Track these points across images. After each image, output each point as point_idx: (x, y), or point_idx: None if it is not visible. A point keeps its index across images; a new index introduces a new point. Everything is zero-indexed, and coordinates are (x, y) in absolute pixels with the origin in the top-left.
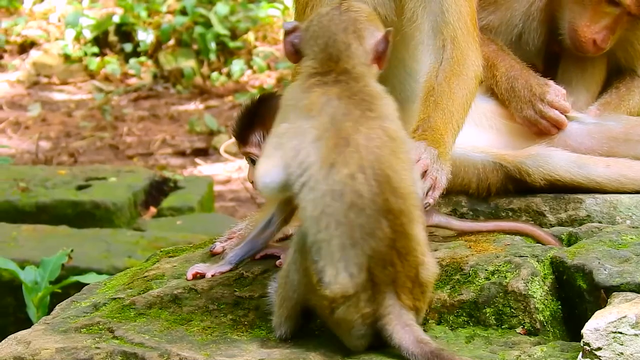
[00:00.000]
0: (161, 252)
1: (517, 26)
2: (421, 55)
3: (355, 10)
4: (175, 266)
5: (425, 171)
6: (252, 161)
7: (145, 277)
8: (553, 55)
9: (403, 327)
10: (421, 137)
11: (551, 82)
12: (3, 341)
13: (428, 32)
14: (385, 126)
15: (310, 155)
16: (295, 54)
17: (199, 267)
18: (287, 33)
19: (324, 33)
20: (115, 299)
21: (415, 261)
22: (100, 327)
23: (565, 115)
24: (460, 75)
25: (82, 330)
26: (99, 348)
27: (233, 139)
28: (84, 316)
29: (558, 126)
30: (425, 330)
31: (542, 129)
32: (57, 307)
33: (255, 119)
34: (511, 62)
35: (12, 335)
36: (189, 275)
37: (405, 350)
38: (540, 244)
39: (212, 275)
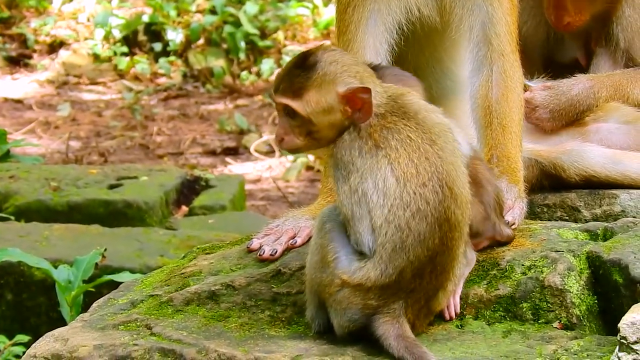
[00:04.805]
0: (198, 249)
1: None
2: (464, 61)
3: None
4: (212, 263)
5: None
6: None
7: (182, 274)
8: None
9: (391, 323)
10: (500, 171)
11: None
12: (41, 338)
13: (475, 40)
14: (437, 122)
15: (387, 179)
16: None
17: None
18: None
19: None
20: (152, 295)
21: (442, 282)
22: (137, 323)
23: (601, 114)
24: (514, 91)
25: (119, 327)
26: (136, 345)
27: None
28: (122, 313)
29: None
30: (462, 326)
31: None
32: (94, 304)
33: None
34: None
35: (50, 332)
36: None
37: (385, 342)
38: (576, 239)
39: None
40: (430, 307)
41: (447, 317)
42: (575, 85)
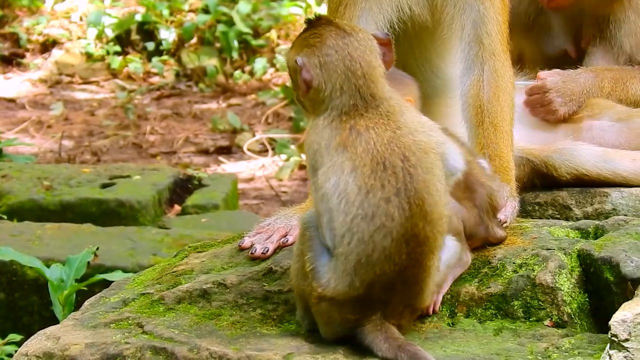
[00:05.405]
0: (189, 247)
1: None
2: (455, 60)
3: (359, 30)
4: (203, 261)
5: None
6: None
7: (174, 272)
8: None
9: (377, 329)
10: (492, 171)
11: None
12: (32, 337)
13: (466, 39)
14: (418, 140)
15: (348, 185)
16: (307, 90)
17: None
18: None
19: (344, 64)
20: (144, 294)
21: (417, 291)
22: (129, 322)
23: (595, 111)
24: (505, 90)
25: (111, 325)
26: (128, 343)
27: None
28: (113, 311)
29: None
30: (453, 324)
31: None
32: (86, 302)
33: None
34: None
35: (42, 330)
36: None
37: (376, 347)
38: (567, 237)
39: None
40: (413, 307)
41: (425, 312)
42: (581, 75)
